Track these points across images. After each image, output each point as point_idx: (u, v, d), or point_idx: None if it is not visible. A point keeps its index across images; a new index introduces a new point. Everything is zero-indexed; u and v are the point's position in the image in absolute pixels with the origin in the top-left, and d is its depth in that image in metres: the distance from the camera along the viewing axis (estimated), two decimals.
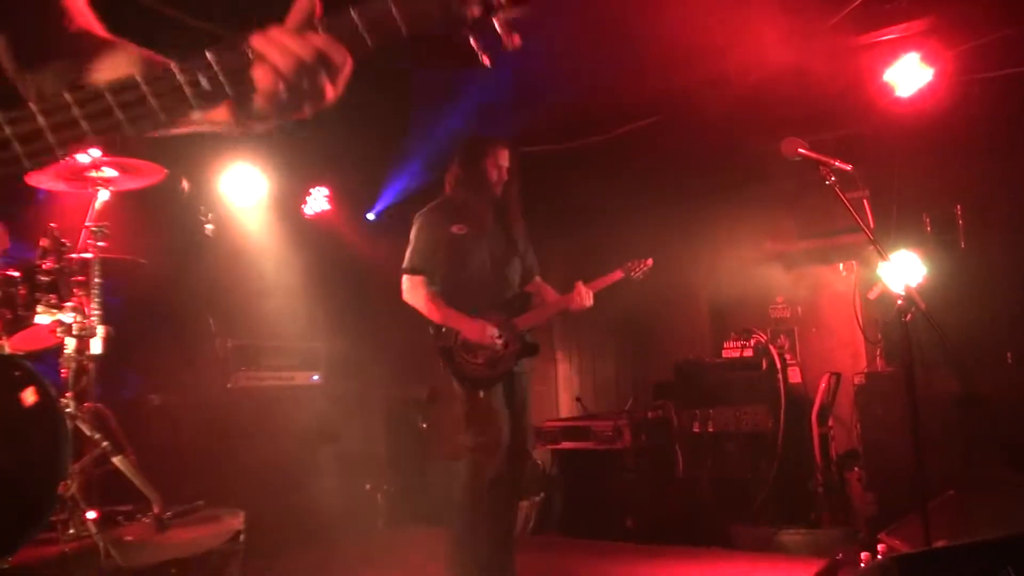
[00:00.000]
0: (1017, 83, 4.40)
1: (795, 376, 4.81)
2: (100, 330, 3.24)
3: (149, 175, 3.52)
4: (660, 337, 5.80)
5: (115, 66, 1.17)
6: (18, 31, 1.20)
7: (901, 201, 4.61)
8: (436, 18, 0.96)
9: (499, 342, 3.42)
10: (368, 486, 5.30)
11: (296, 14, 0.99)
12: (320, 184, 5.96)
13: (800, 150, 2.97)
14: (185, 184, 4.60)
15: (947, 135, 4.55)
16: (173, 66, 0.95)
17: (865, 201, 4.62)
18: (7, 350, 2.93)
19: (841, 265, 4.92)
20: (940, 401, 3.87)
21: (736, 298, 5.23)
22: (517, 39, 1.01)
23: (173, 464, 3.85)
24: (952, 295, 3.97)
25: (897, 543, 3.12)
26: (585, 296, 3.59)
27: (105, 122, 0.93)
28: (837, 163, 2.94)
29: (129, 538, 3.05)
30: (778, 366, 4.75)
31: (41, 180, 3.38)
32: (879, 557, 2.97)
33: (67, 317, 3.09)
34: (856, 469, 4.43)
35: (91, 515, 2.90)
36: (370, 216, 6.24)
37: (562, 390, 6.41)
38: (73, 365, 3.16)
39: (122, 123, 0.94)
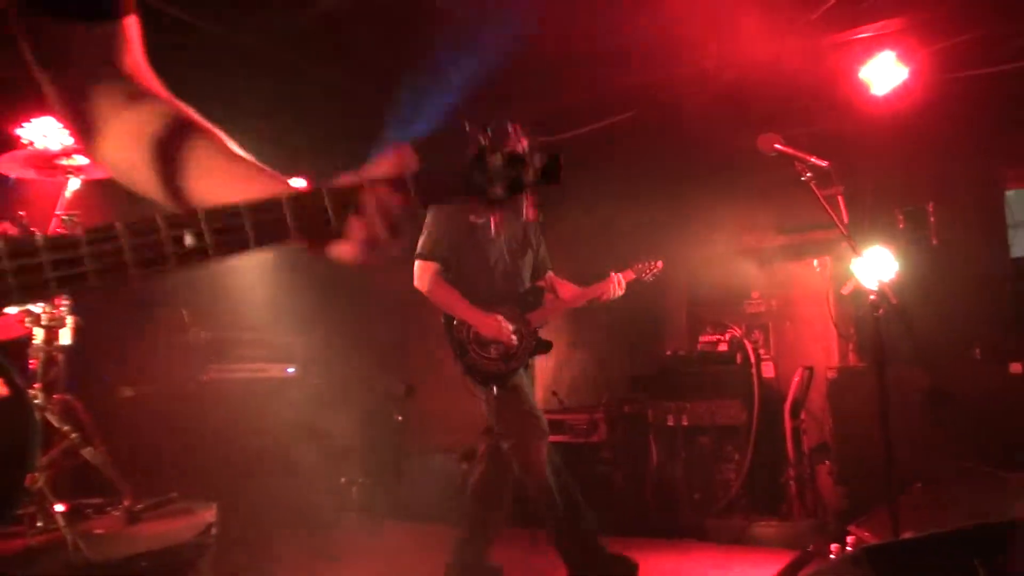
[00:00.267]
0: (991, 82, 4.46)
1: (769, 370, 4.86)
2: (69, 320, 3.20)
3: None
4: (636, 331, 5.82)
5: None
6: None
7: (875, 198, 4.66)
8: (461, 195, 0.99)
9: (514, 339, 3.36)
10: (343, 479, 5.27)
11: (390, 167, 0.95)
12: (297, 175, 5.90)
13: (776, 146, 2.98)
14: None
15: (921, 133, 4.61)
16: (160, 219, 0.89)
17: (839, 197, 4.65)
18: None
19: (815, 260, 4.96)
20: (910, 395, 3.92)
21: (712, 292, 5.27)
22: (534, 214, 1.03)
23: (145, 457, 3.80)
24: (923, 291, 4.03)
25: (866, 535, 3.16)
26: (620, 286, 3.59)
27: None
28: (813, 159, 2.96)
29: (99, 531, 3.02)
30: (752, 360, 4.80)
31: (11, 168, 3.32)
32: (848, 549, 3.01)
33: (36, 307, 3.04)
34: (827, 463, 4.48)
35: (59, 508, 2.85)
36: None
37: (538, 384, 6.39)
38: (42, 356, 3.12)
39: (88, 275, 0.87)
